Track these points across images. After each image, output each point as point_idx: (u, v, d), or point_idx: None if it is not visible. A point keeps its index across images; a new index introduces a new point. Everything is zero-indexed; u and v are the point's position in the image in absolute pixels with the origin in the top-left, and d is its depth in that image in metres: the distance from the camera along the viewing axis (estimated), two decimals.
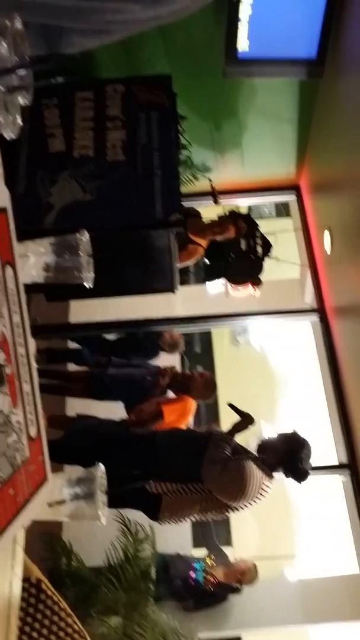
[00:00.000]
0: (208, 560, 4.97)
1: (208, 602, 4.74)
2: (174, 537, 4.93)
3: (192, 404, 4.19)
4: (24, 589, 1.71)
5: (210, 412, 7.59)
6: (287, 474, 3.20)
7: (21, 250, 1.56)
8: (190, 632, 4.37)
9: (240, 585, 4.80)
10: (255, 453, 3.27)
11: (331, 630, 6.37)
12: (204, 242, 4.54)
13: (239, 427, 3.37)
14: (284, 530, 7.67)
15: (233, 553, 7.14)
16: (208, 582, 4.73)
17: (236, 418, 3.43)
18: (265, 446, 3.24)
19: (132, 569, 4.05)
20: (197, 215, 4.66)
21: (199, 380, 4.34)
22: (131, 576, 4.02)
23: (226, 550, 6.39)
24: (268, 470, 3.16)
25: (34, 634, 1.81)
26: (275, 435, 3.27)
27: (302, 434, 3.26)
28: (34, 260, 1.60)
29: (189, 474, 3.13)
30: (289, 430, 3.29)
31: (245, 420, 3.38)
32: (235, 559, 5.10)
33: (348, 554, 5.38)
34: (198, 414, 6.98)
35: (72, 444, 4.07)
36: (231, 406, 3.47)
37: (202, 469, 3.08)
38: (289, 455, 3.16)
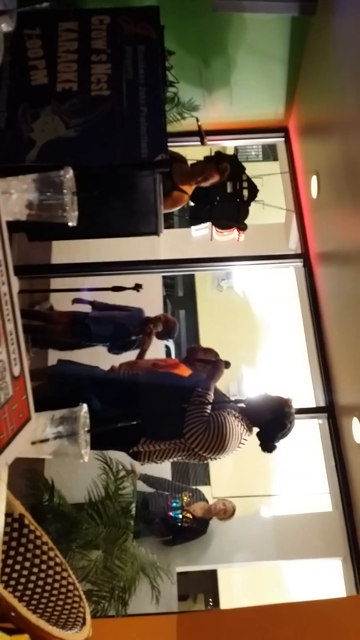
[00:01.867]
0: (185, 498, 5.10)
1: (186, 537, 4.90)
2: (154, 473, 5.04)
3: (186, 372, 4.18)
4: (7, 524, 1.74)
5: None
6: (257, 436, 3.20)
7: (3, 186, 1.52)
8: (168, 566, 4.52)
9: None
10: (239, 404, 3.26)
11: (302, 566, 6.64)
12: (189, 189, 4.44)
13: (213, 375, 3.27)
14: (261, 471, 7.87)
15: (211, 492, 7.34)
16: (186, 518, 4.87)
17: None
18: (251, 405, 3.21)
19: (113, 505, 4.14)
20: (182, 160, 4.53)
21: (201, 355, 4.31)
22: (112, 512, 4.12)
23: (204, 489, 6.56)
24: (249, 423, 3.18)
25: (17, 567, 1.85)
26: (266, 398, 3.20)
27: (294, 406, 3.15)
28: (16, 197, 1.56)
29: (170, 424, 3.13)
30: (284, 397, 3.18)
31: (215, 367, 3.28)
32: (215, 499, 5.23)
33: (322, 493, 5.55)
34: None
35: (55, 387, 4.07)
36: (199, 360, 3.41)
37: (185, 426, 3.07)
38: (268, 427, 3.12)
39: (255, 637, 3.02)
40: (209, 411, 3.09)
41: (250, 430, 3.19)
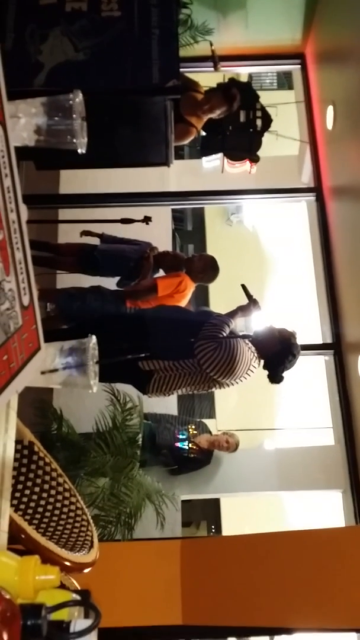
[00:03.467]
0: (191, 430, 5.19)
1: (191, 467, 5.01)
2: (161, 408, 5.12)
3: (187, 281, 4.15)
4: (17, 451, 1.77)
5: (199, 297, 7.62)
6: (264, 367, 3.27)
7: (11, 110, 1.47)
8: (173, 494, 4.64)
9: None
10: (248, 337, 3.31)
11: (303, 498, 6.82)
12: (197, 122, 4.12)
13: (243, 310, 3.36)
14: (266, 405, 7.99)
15: (216, 425, 7.47)
16: (192, 449, 4.97)
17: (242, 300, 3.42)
18: (259, 337, 3.26)
19: (120, 436, 4.22)
20: (194, 89, 4.13)
21: (197, 264, 4.27)
22: (119, 442, 4.19)
23: (209, 422, 6.67)
24: (257, 354, 3.23)
25: (27, 492, 1.90)
26: (273, 330, 3.25)
27: (299, 338, 3.24)
28: (24, 121, 1.51)
29: (180, 349, 3.17)
30: (290, 329, 3.26)
31: (251, 305, 3.36)
32: (219, 432, 5.31)
33: (325, 427, 5.64)
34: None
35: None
36: (243, 287, 3.44)
37: (197, 343, 3.12)
38: (276, 358, 3.20)
39: (256, 562, 3.14)
40: (224, 333, 3.15)
41: (258, 360, 3.24)
